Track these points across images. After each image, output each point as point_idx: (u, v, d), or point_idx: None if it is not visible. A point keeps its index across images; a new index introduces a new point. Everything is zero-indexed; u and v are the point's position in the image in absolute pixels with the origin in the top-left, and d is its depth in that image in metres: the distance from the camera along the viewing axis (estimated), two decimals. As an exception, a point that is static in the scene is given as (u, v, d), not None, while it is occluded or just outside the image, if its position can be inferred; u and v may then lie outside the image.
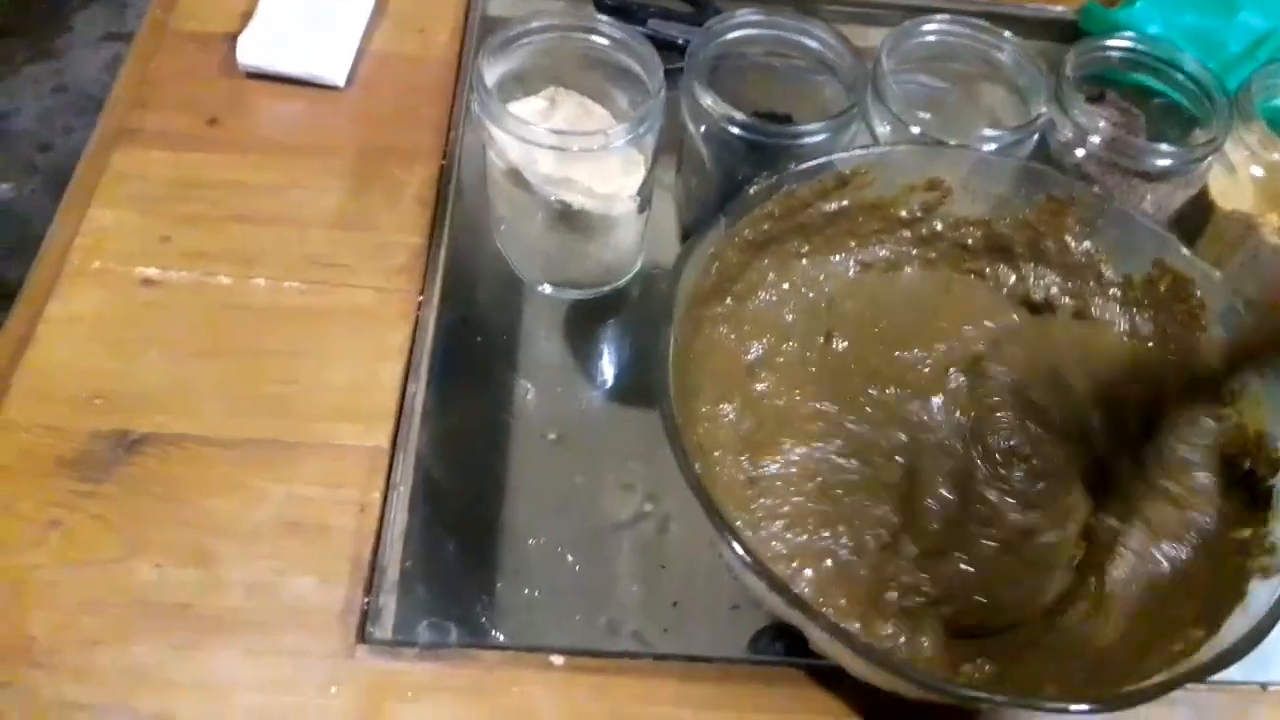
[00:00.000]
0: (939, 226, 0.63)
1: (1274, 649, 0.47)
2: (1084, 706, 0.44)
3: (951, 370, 0.61)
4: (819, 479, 0.57)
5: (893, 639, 0.52)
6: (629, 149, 0.60)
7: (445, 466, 0.60)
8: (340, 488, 0.56)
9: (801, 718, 0.52)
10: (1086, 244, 0.61)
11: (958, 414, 0.60)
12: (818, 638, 0.47)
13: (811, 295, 0.62)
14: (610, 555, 0.58)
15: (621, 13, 0.76)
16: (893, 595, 0.54)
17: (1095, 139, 0.65)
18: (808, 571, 0.54)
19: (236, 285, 0.63)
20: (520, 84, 0.63)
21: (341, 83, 0.72)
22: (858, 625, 0.53)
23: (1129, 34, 0.70)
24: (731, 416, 0.58)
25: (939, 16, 0.67)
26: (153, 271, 0.63)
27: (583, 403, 0.65)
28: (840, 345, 0.61)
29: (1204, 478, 0.55)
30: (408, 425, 0.59)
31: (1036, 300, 0.63)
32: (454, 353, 0.64)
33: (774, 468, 0.57)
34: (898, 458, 0.59)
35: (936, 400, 0.61)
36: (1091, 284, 0.61)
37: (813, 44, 0.65)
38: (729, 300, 0.60)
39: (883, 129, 0.64)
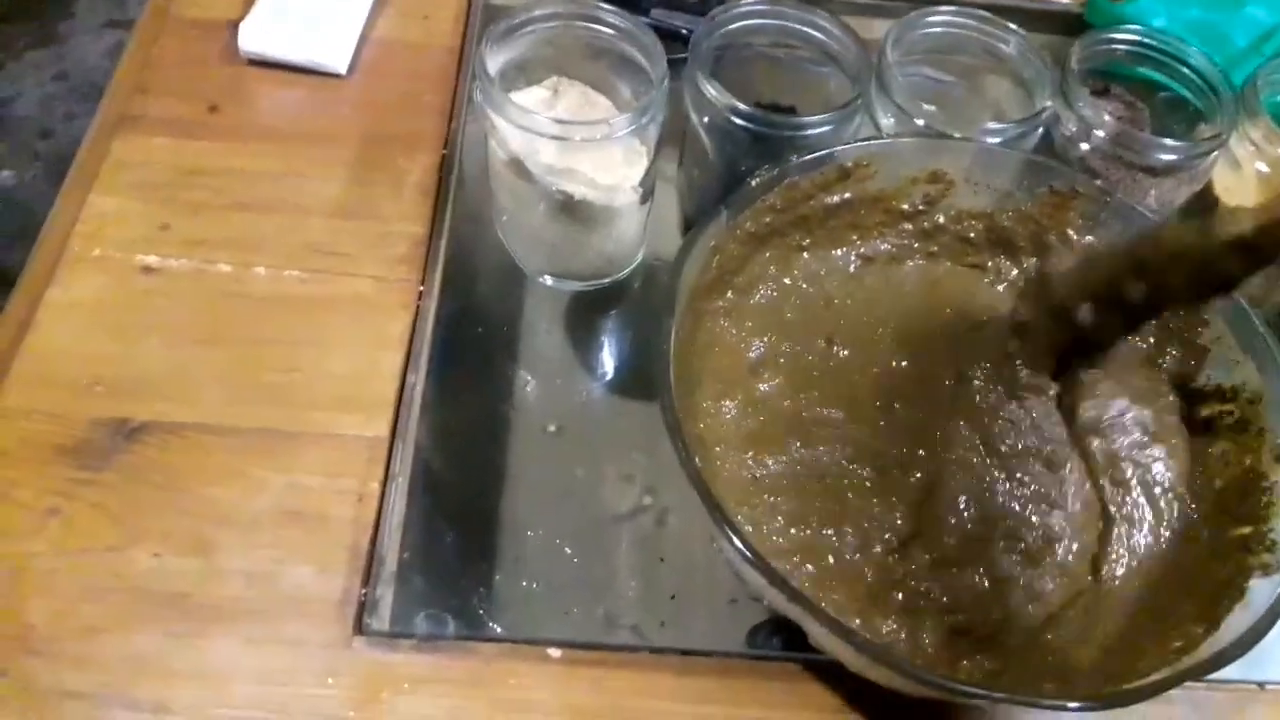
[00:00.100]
0: (941, 219, 0.63)
1: (1272, 648, 0.46)
2: (1083, 703, 0.44)
3: (949, 383, 0.61)
4: (825, 480, 0.57)
5: (892, 635, 0.52)
6: (631, 139, 0.60)
7: (444, 457, 0.60)
8: (339, 477, 0.56)
9: (799, 713, 0.52)
10: (1089, 238, 0.61)
11: (963, 424, 0.60)
12: (816, 632, 0.47)
13: (811, 291, 0.62)
14: (609, 548, 0.58)
15: (625, 2, 0.75)
16: (898, 596, 0.54)
17: (1100, 133, 0.64)
18: (808, 566, 0.54)
19: (237, 273, 0.63)
20: (523, 73, 0.63)
21: (343, 70, 0.72)
22: (857, 621, 0.53)
23: (1134, 27, 0.70)
24: (734, 413, 0.58)
25: (944, 8, 0.67)
26: (153, 259, 0.63)
27: (583, 395, 0.64)
28: (842, 353, 0.61)
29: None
30: (407, 415, 0.59)
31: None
32: (454, 343, 0.64)
33: (778, 466, 0.57)
34: (915, 471, 0.58)
35: (944, 413, 0.60)
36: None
37: (817, 35, 0.65)
38: (730, 294, 0.60)
39: (887, 121, 0.64)
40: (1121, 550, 0.55)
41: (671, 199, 0.71)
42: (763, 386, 0.59)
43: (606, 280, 0.68)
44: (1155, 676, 0.45)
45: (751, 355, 0.60)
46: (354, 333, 0.61)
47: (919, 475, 0.58)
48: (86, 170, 0.66)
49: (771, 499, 0.56)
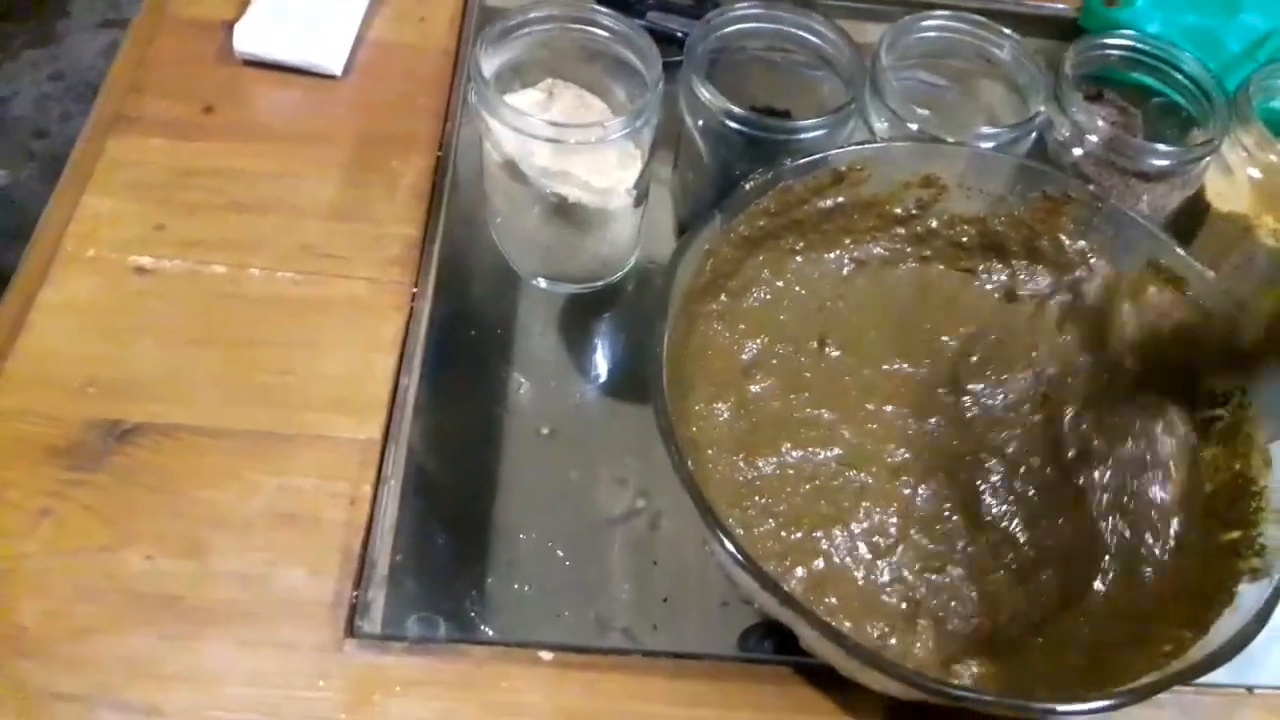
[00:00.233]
0: (934, 224, 0.63)
1: (1261, 652, 0.47)
2: (1072, 707, 0.44)
3: (940, 390, 0.61)
4: (816, 481, 0.57)
5: (884, 639, 0.52)
6: (626, 142, 0.60)
7: (437, 460, 0.60)
8: (332, 480, 0.56)
9: (791, 716, 0.52)
10: (1081, 243, 0.61)
11: (952, 430, 0.60)
12: (808, 636, 0.47)
13: (804, 294, 0.62)
14: (601, 551, 0.58)
15: (620, 5, 0.75)
16: (889, 599, 0.54)
17: (1093, 138, 0.64)
18: (799, 570, 0.54)
19: (231, 274, 0.63)
20: (518, 75, 0.63)
21: (339, 72, 0.72)
22: (848, 625, 0.53)
23: (1128, 32, 0.70)
24: (726, 415, 0.58)
25: (938, 12, 0.67)
26: (146, 260, 0.62)
27: (576, 397, 0.64)
28: (834, 353, 0.61)
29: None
30: (400, 418, 0.59)
31: (1024, 298, 0.63)
32: (448, 345, 0.64)
33: (769, 468, 0.57)
34: (904, 475, 0.58)
35: (934, 419, 0.61)
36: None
37: (812, 39, 0.65)
38: (723, 297, 0.60)
39: (880, 125, 0.64)
40: (1113, 558, 0.55)
41: (666, 202, 0.71)
42: (754, 388, 0.59)
43: (600, 283, 0.68)
44: (1144, 680, 0.46)
45: (744, 358, 0.60)
46: (347, 335, 0.61)
47: (910, 479, 0.58)
48: (81, 170, 0.66)
49: (763, 501, 0.56)
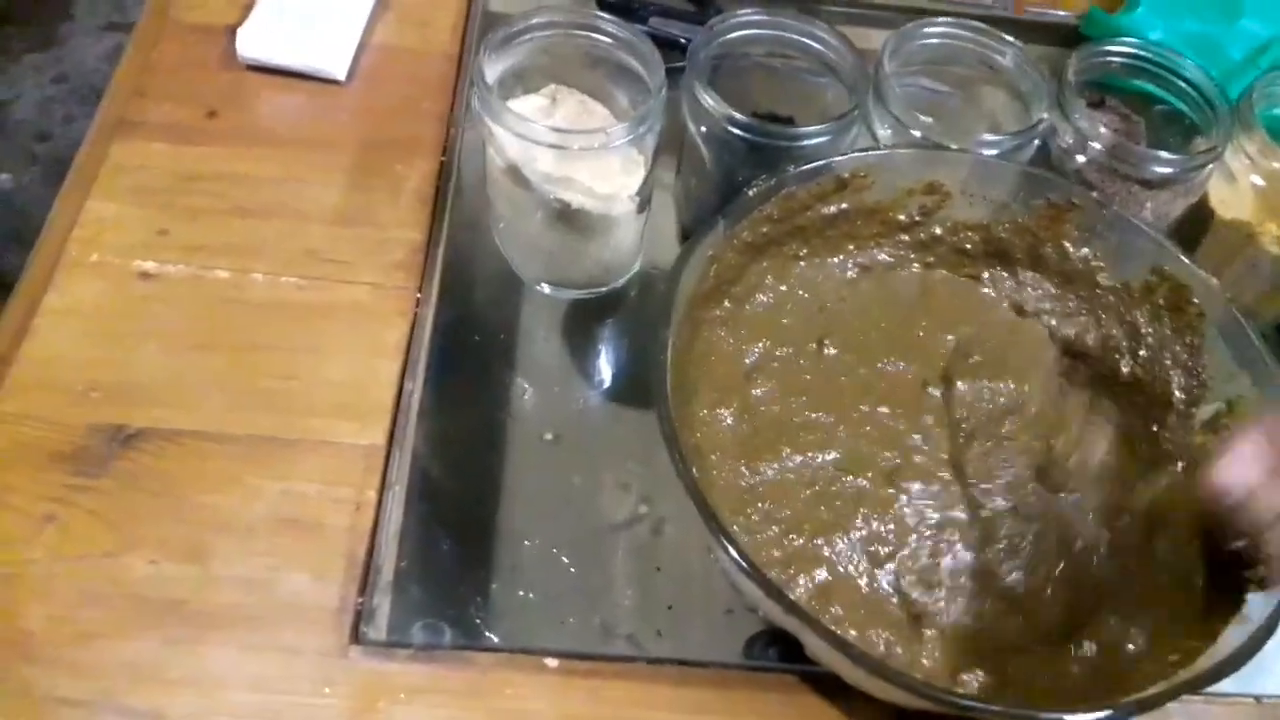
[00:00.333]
0: (938, 231, 0.63)
1: (1270, 662, 0.47)
2: (1081, 717, 0.44)
3: (930, 389, 0.61)
4: (815, 487, 0.57)
5: (889, 648, 0.52)
6: (629, 148, 0.60)
7: (441, 466, 0.60)
8: (336, 485, 0.56)
9: (795, 724, 0.52)
10: (1085, 250, 0.61)
11: (940, 433, 0.60)
12: (813, 644, 0.47)
13: (807, 298, 0.62)
14: (605, 557, 0.58)
15: (623, 11, 0.75)
16: (894, 608, 0.54)
17: (1096, 145, 0.64)
18: (803, 578, 0.54)
19: (234, 279, 0.63)
20: (521, 81, 0.63)
21: (342, 76, 0.72)
22: (853, 633, 0.53)
23: (1131, 40, 0.70)
24: (729, 421, 0.58)
25: (942, 20, 0.67)
26: (150, 265, 0.62)
27: (580, 403, 0.64)
28: (831, 352, 0.61)
29: None
30: (404, 423, 0.59)
31: (1026, 308, 0.63)
32: (451, 351, 0.64)
33: (771, 473, 0.57)
34: (896, 479, 0.58)
35: (927, 418, 0.60)
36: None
37: (815, 45, 0.65)
38: (727, 303, 0.60)
39: (884, 132, 0.64)
40: (1118, 566, 0.55)
41: (669, 208, 0.71)
42: (756, 392, 0.59)
43: (604, 289, 0.68)
44: (1152, 690, 0.45)
45: (747, 362, 0.60)
46: (351, 340, 0.61)
47: (904, 483, 0.58)
48: (85, 174, 0.66)
49: (765, 506, 0.56)
